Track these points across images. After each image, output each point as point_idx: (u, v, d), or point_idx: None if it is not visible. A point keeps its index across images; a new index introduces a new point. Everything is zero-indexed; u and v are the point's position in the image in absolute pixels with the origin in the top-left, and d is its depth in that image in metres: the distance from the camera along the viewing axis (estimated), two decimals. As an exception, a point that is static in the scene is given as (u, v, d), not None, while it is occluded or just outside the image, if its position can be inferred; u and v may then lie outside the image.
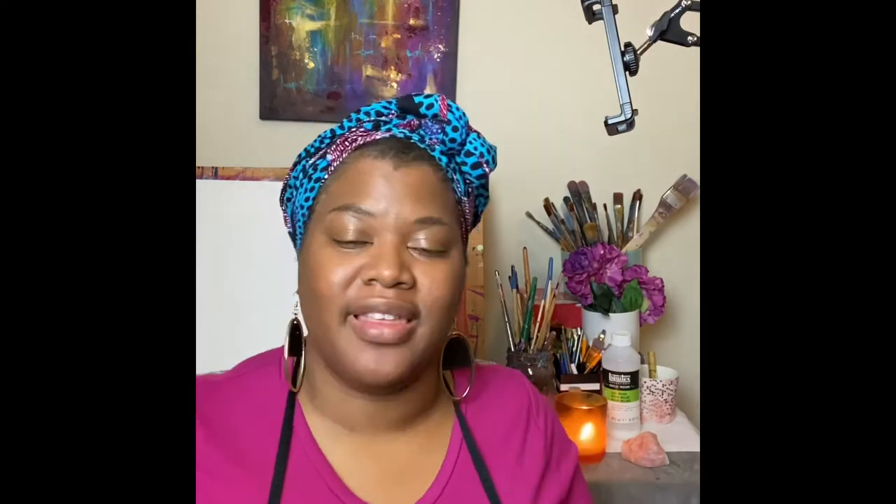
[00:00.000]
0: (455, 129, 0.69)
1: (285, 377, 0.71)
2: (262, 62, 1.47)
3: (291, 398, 0.71)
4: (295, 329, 0.71)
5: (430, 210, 0.66)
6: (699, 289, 0.54)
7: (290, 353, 0.71)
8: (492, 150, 0.72)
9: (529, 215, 1.53)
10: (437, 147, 0.69)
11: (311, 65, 1.48)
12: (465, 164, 0.71)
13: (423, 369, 0.70)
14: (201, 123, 1.40)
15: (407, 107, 0.70)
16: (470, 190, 0.72)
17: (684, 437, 1.24)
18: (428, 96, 0.70)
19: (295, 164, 0.72)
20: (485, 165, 0.71)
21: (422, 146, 0.68)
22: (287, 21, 1.47)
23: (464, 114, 0.70)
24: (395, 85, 1.49)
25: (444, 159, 0.69)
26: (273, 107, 1.48)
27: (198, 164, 1.35)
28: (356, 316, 0.64)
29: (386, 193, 0.65)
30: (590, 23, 0.86)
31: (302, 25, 1.47)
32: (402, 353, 0.65)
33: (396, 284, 0.63)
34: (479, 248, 1.43)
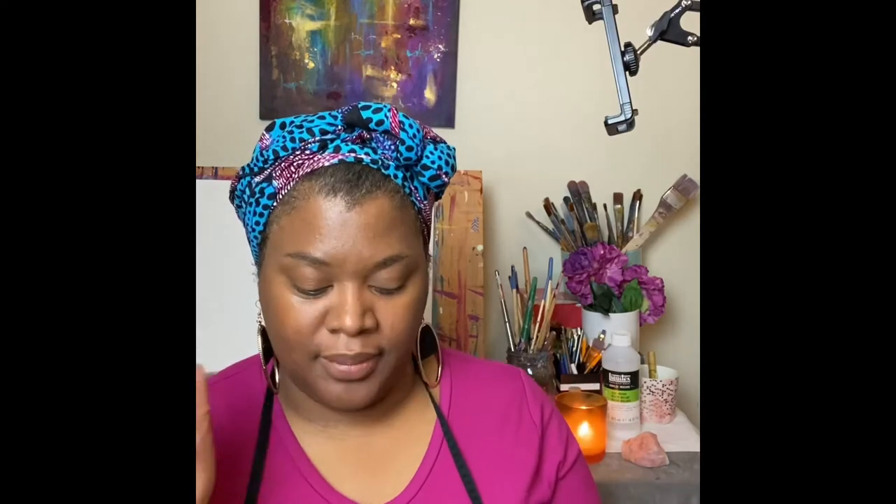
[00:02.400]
0: (409, 148, 0.64)
1: (266, 378, 0.72)
2: (262, 62, 1.47)
3: (270, 396, 0.73)
4: (265, 334, 0.71)
5: (390, 248, 0.63)
6: (699, 289, 0.54)
7: (267, 356, 0.72)
8: (451, 159, 0.68)
9: (529, 215, 1.53)
10: (391, 164, 0.65)
11: (311, 65, 1.48)
12: (421, 174, 0.67)
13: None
14: (201, 123, 1.40)
15: (354, 121, 0.65)
16: (428, 191, 0.69)
17: (684, 437, 1.24)
18: (377, 110, 0.64)
19: (239, 177, 0.71)
20: (444, 176, 0.67)
21: (374, 167, 0.64)
22: (287, 21, 1.47)
23: (419, 128, 0.65)
24: (395, 85, 1.49)
25: (400, 173, 0.65)
26: (273, 107, 1.48)
27: (198, 164, 1.35)
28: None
29: (342, 238, 0.62)
30: (590, 23, 0.86)
31: (302, 25, 1.47)
32: (370, 385, 0.66)
33: (361, 332, 0.63)
34: (479, 248, 1.42)
